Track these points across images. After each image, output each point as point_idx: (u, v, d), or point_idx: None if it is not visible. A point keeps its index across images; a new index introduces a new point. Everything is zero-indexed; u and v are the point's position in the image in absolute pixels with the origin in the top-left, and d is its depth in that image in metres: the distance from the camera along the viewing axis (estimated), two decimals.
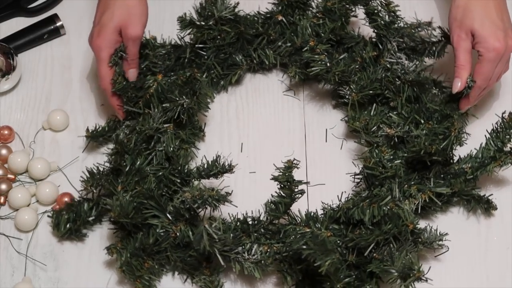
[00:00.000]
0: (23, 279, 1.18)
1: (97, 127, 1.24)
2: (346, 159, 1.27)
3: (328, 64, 1.24)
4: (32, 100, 1.33)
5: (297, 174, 1.26)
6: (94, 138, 1.24)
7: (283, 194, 1.14)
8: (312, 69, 1.25)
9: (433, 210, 1.20)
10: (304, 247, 1.07)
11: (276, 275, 1.17)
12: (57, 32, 1.38)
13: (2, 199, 1.24)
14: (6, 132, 1.29)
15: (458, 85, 1.22)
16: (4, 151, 1.27)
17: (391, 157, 1.18)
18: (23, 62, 1.35)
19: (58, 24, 1.38)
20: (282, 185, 1.14)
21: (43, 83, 1.34)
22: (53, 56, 1.37)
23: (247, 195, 1.22)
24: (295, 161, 1.13)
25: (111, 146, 1.25)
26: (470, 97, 1.24)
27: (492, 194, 1.21)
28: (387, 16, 1.27)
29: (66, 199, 1.23)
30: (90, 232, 1.20)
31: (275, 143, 1.29)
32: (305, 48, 1.26)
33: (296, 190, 1.14)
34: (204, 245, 1.08)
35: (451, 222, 1.19)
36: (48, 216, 1.19)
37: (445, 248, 1.17)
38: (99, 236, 1.20)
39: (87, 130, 1.24)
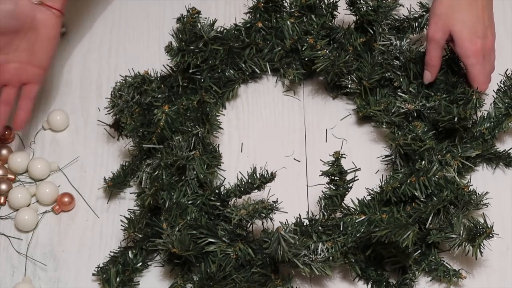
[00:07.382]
0: (23, 279, 1.18)
1: (114, 175, 1.22)
2: (346, 159, 1.27)
3: (331, 58, 1.25)
4: None
5: (297, 174, 1.26)
6: (116, 187, 1.22)
7: (333, 187, 1.15)
8: (318, 65, 1.25)
9: (463, 174, 1.23)
10: (377, 229, 1.08)
11: (339, 269, 1.17)
12: None
13: (2, 199, 1.24)
14: (6, 132, 1.29)
15: (428, 78, 1.26)
16: (4, 151, 1.27)
17: (425, 129, 1.20)
18: None
19: None
20: (333, 178, 1.15)
21: (43, 83, 1.34)
22: (53, 56, 1.36)
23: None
24: (341, 152, 1.15)
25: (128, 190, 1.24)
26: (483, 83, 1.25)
27: None
28: (370, 2, 1.29)
29: (66, 199, 1.23)
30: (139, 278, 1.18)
31: (275, 143, 1.29)
32: (305, 47, 1.27)
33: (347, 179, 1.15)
34: (283, 252, 1.08)
35: None
36: (93, 274, 1.17)
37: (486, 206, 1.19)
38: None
39: (104, 179, 1.22)
